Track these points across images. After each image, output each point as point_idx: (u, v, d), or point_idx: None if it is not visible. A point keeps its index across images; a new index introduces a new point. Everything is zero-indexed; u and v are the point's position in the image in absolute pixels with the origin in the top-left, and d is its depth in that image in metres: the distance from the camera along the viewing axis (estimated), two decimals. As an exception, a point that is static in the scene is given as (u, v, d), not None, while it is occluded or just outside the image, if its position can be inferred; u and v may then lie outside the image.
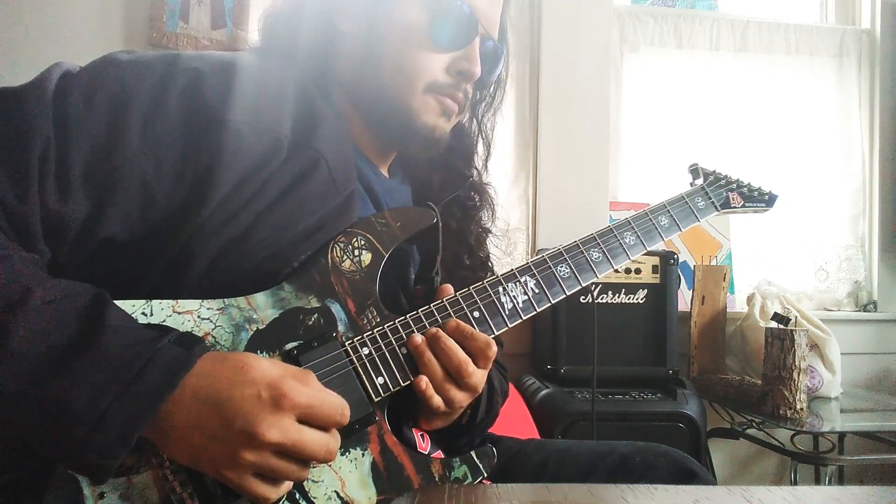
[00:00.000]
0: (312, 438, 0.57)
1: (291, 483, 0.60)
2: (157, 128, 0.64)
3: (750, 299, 2.05)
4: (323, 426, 0.59)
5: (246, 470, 0.56)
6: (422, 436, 0.83)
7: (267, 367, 0.58)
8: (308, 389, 0.58)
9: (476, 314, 0.76)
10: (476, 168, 0.96)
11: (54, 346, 0.53)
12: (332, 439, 0.60)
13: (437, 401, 0.71)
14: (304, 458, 0.58)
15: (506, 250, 2.13)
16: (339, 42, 0.82)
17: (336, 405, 0.60)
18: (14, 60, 1.90)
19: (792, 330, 1.66)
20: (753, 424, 1.72)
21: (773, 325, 1.75)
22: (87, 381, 0.52)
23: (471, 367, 0.71)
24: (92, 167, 0.62)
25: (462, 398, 0.73)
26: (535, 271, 0.80)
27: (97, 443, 0.52)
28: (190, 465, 0.58)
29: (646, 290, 1.80)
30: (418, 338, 0.71)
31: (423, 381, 0.70)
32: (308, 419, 0.58)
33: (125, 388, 0.53)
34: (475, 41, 0.81)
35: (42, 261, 0.61)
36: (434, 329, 0.72)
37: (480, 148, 0.98)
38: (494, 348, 0.73)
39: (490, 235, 0.98)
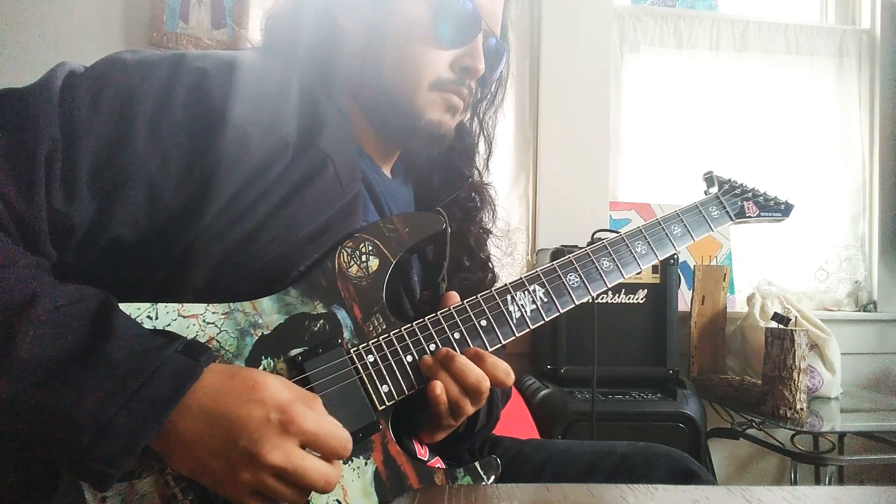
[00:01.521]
0: (314, 467, 0.57)
1: None
2: (164, 128, 0.64)
3: (750, 299, 2.04)
4: (325, 455, 0.59)
5: (243, 488, 0.55)
6: (420, 442, 0.82)
7: (278, 387, 0.58)
8: (316, 416, 0.58)
9: (483, 322, 0.75)
10: (477, 168, 0.96)
11: (60, 353, 0.52)
12: (333, 471, 0.59)
13: (446, 408, 0.70)
14: (302, 486, 0.57)
15: (506, 250, 2.13)
16: (341, 41, 0.81)
17: (341, 437, 0.59)
18: (15, 61, 1.90)
19: (792, 330, 1.66)
20: (753, 424, 1.71)
21: (773, 325, 1.75)
22: (93, 390, 0.52)
23: (486, 383, 0.70)
24: (98, 168, 0.61)
25: (471, 411, 0.72)
26: (544, 280, 0.79)
27: (101, 451, 0.51)
28: (190, 477, 0.57)
29: (646, 290, 1.80)
30: (429, 359, 0.71)
31: (438, 386, 0.69)
32: (311, 446, 0.58)
33: (131, 398, 0.52)
34: (478, 37, 0.80)
35: (48, 264, 0.60)
36: (444, 349, 0.71)
37: (482, 147, 0.97)
38: (513, 377, 0.73)
39: (490, 236, 0.97)
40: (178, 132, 0.64)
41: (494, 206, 0.97)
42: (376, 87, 0.80)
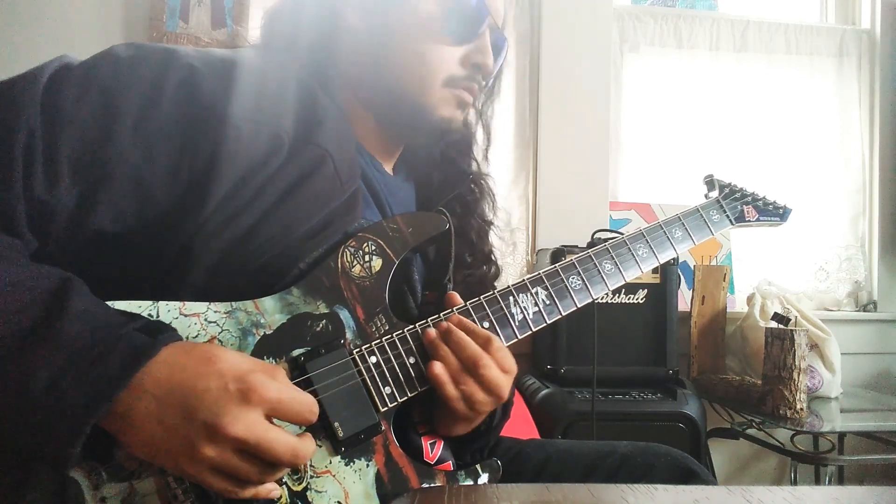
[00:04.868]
0: (279, 438, 0.55)
1: (257, 488, 0.56)
2: (150, 122, 0.64)
3: (750, 299, 2.04)
4: (291, 422, 0.58)
5: (203, 465, 0.53)
6: (431, 444, 0.81)
7: (236, 359, 0.57)
8: (277, 385, 0.56)
9: (486, 324, 0.75)
10: (475, 160, 0.95)
11: (15, 330, 0.52)
12: (301, 444, 0.57)
13: (453, 392, 0.69)
14: (268, 460, 0.55)
15: (508, 242, 2.13)
16: (344, 37, 0.81)
17: (305, 402, 0.58)
18: (13, 60, 1.90)
19: (792, 330, 1.66)
20: (753, 424, 1.72)
21: (773, 325, 1.75)
22: (46, 366, 0.51)
23: (485, 359, 0.70)
24: (80, 157, 0.61)
25: (483, 399, 0.71)
26: (546, 283, 0.79)
27: (52, 429, 0.50)
28: (149, 459, 0.56)
29: (646, 290, 1.80)
30: (432, 332, 0.71)
31: (438, 365, 0.69)
32: (276, 415, 0.56)
33: (83, 374, 0.51)
34: (486, 32, 0.80)
35: (24, 247, 0.60)
36: (446, 324, 0.72)
37: (480, 137, 0.96)
38: (496, 343, 0.72)
39: (492, 228, 0.96)
40: (165, 127, 0.64)
41: (494, 195, 0.96)
42: (385, 85, 0.79)
